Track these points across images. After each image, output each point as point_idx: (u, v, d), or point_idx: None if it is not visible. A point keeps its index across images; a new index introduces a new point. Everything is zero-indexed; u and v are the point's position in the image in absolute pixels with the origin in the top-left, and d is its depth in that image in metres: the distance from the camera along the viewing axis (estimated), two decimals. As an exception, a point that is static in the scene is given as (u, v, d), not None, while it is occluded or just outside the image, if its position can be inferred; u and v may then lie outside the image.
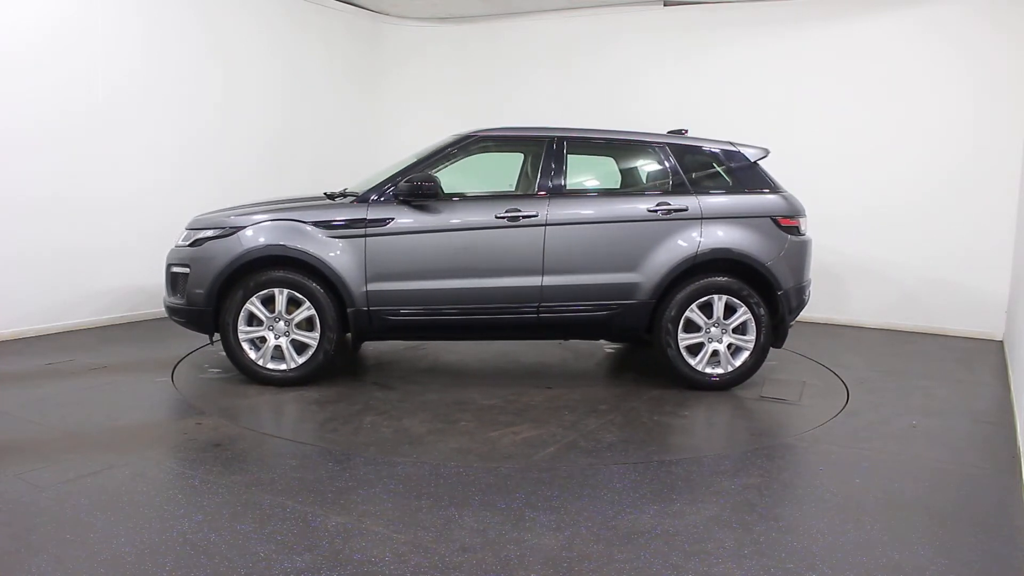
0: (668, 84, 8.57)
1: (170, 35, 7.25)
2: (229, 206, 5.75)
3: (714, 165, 5.51)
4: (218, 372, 5.52)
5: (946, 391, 5.58)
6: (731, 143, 5.52)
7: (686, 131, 5.71)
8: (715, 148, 5.51)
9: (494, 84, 9.50)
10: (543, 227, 5.17)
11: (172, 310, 5.29)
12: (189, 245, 5.21)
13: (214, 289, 5.04)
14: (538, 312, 5.21)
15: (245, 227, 5.09)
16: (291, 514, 3.23)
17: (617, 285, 5.21)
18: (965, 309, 7.49)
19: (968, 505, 3.57)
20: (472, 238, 5.15)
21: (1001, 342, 7.26)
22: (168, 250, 5.46)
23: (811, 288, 5.59)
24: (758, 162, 5.46)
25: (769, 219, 5.28)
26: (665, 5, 8.58)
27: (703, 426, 4.74)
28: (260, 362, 5.13)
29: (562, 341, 6.68)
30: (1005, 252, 7.20)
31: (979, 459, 4.23)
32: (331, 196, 5.47)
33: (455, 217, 5.16)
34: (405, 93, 9.83)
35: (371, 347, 6.52)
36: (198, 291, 5.07)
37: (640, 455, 4.08)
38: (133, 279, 7.15)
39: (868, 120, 7.78)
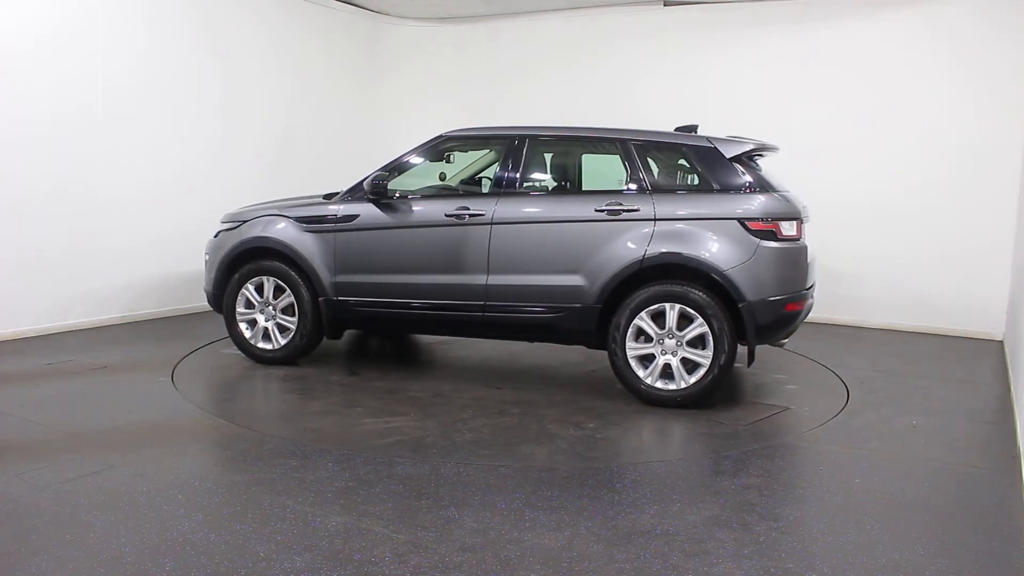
0: (668, 84, 8.56)
1: (170, 35, 7.24)
2: (254, 203, 6.28)
3: (681, 162, 5.16)
4: (234, 351, 5.88)
5: (946, 391, 5.58)
6: (708, 138, 5.05)
7: (696, 127, 5.37)
8: (685, 144, 5.09)
9: (494, 84, 9.49)
10: (489, 226, 5.15)
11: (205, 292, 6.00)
12: (215, 236, 5.91)
13: (220, 274, 5.74)
14: (483, 311, 5.20)
15: (246, 221, 5.74)
16: (291, 514, 3.23)
17: (560, 287, 5.02)
18: (965, 309, 7.48)
19: (968, 505, 3.57)
20: (422, 235, 5.32)
21: (1001, 342, 7.25)
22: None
23: (809, 303, 5.08)
24: (742, 158, 4.98)
25: (736, 222, 4.76)
26: (665, 5, 8.57)
27: (580, 440, 4.28)
28: (252, 341, 5.72)
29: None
30: (1005, 252, 7.19)
31: (979, 459, 4.24)
32: (328, 196, 5.78)
33: (410, 215, 5.36)
34: (405, 93, 9.82)
35: (408, 339, 6.87)
36: (211, 276, 5.82)
37: (460, 455, 3.98)
38: (133, 279, 7.15)
39: (867, 120, 7.77)
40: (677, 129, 5.38)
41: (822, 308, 7.68)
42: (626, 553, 2.97)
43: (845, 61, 7.83)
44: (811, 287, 5.14)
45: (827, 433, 4.56)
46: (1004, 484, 3.83)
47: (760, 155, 5.27)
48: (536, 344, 6.30)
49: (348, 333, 6.81)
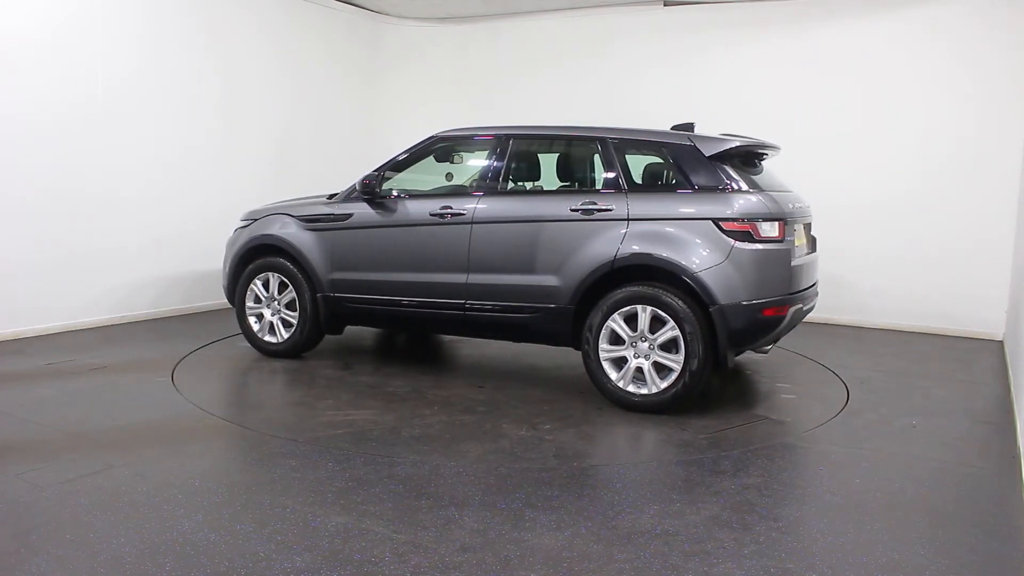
0: (668, 84, 8.56)
1: (170, 35, 7.23)
2: (270, 202, 6.51)
3: (659, 160, 5.05)
4: (247, 344, 6.13)
5: (946, 391, 5.58)
6: (688, 136, 4.91)
7: (693, 126, 5.24)
8: (663, 142, 4.96)
9: (494, 84, 9.49)
10: (469, 225, 5.17)
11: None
12: (233, 233, 6.16)
13: (233, 270, 6.02)
14: (464, 309, 5.23)
15: (257, 219, 5.99)
16: (291, 514, 3.23)
17: (535, 287, 4.98)
18: (965, 309, 7.48)
19: (968, 505, 3.57)
20: (408, 234, 5.40)
21: (1001, 342, 7.25)
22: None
23: (797, 307, 4.83)
24: (724, 156, 4.79)
25: (710, 222, 4.59)
26: (665, 5, 8.57)
27: (523, 441, 4.21)
28: (259, 334, 5.96)
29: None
30: (1005, 252, 7.20)
31: (979, 459, 4.23)
32: (331, 196, 5.88)
33: (399, 214, 5.44)
34: (405, 93, 9.83)
35: (429, 336, 6.93)
36: (226, 271, 6.11)
37: (395, 449, 4.01)
38: (133, 279, 7.15)
39: (866, 121, 7.77)
40: (673, 128, 5.23)
41: (822, 308, 7.69)
42: (626, 553, 2.97)
43: (845, 61, 7.83)
44: (802, 291, 4.91)
45: (827, 433, 4.56)
46: (1004, 484, 3.83)
47: (762, 154, 5.21)
48: (539, 345, 6.28)
49: (371, 330, 6.90)
